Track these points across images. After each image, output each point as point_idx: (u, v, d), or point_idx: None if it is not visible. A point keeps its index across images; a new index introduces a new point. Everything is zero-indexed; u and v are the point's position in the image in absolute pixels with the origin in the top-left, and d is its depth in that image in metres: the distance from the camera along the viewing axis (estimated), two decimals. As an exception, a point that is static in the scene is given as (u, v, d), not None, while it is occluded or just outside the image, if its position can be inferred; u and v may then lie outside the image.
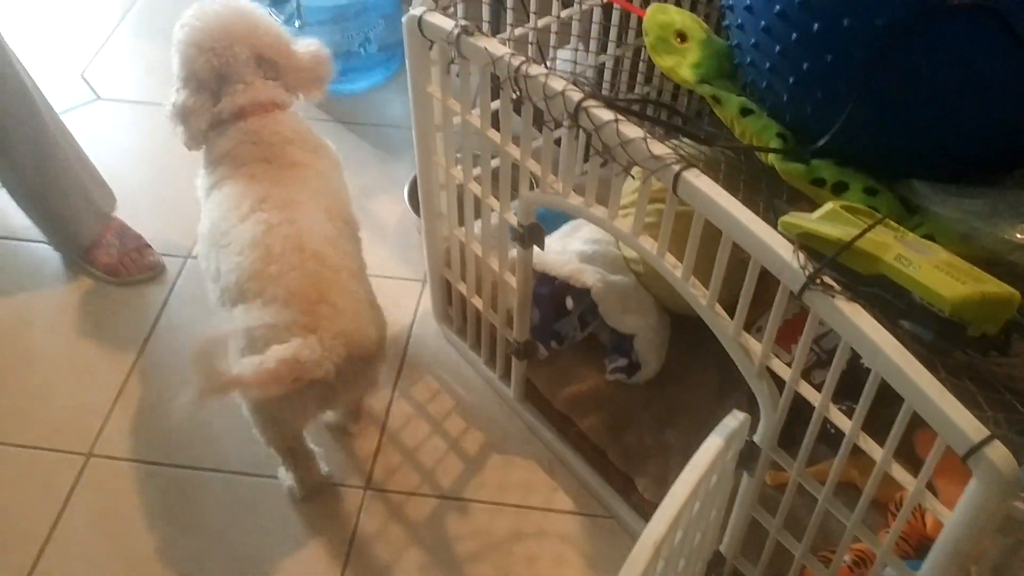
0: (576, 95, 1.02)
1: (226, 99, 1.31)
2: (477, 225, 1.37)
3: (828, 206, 0.92)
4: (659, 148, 0.94)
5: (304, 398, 1.19)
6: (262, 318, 1.13)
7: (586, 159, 1.08)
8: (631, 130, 0.96)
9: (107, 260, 1.71)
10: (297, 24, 1.95)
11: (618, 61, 1.54)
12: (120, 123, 2.00)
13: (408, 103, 1.31)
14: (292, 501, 1.40)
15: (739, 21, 1.12)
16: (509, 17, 1.35)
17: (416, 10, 1.20)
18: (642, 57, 1.55)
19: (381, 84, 2.06)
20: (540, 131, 1.11)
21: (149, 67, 2.13)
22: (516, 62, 1.08)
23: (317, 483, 1.41)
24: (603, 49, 1.52)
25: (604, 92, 1.57)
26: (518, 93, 1.10)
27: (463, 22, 1.16)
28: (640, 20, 1.27)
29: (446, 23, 1.17)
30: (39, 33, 2.25)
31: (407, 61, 1.27)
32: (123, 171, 1.88)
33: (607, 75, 1.56)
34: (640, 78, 1.59)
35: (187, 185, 1.79)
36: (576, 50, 1.55)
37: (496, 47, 1.11)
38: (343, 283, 1.20)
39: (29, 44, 2.20)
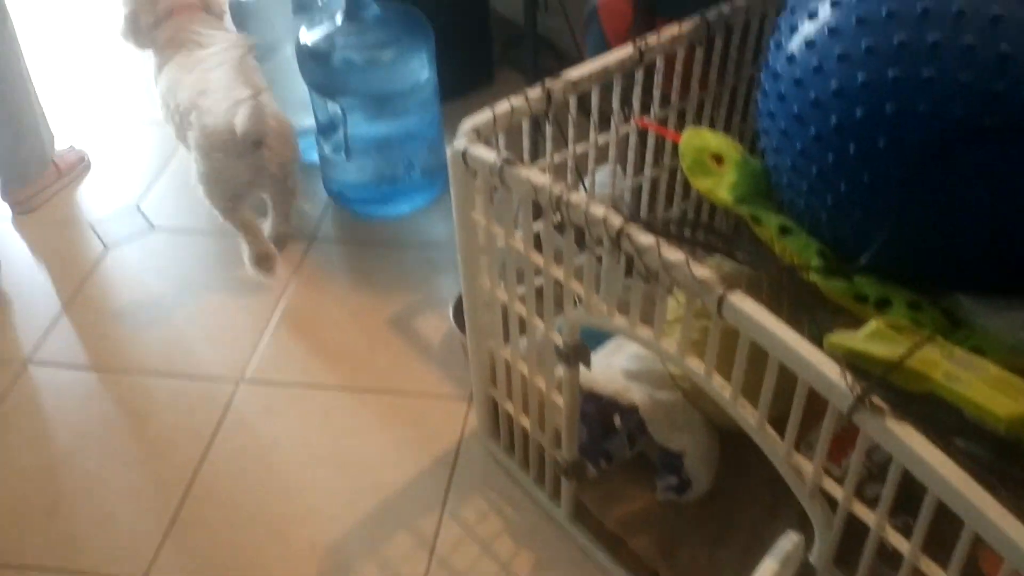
0: (617, 220, 1.05)
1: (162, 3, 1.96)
2: (523, 343, 1.39)
3: (873, 324, 0.93)
4: (702, 271, 0.96)
5: (240, 162, 1.80)
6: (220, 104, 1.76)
7: (628, 274, 1.10)
8: (673, 254, 0.99)
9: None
10: (345, 155, 2.03)
11: (654, 182, 1.58)
12: (173, 251, 2.07)
13: (451, 224, 1.35)
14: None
15: (775, 144, 1.15)
16: (548, 145, 1.40)
17: (460, 143, 1.25)
18: (677, 178, 1.58)
19: (424, 207, 2.12)
20: (582, 249, 1.14)
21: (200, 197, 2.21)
22: (558, 191, 1.11)
23: (264, 252, 1.92)
24: (639, 170, 1.56)
25: (642, 213, 1.60)
26: (560, 219, 1.14)
27: (505, 154, 1.20)
28: (675, 143, 1.31)
29: (489, 155, 1.21)
30: (98, 166, 2.35)
31: (452, 190, 1.31)
32: (176, 299, 1.94)
33: (642, 192, 1.60)
34: (676, 197, 1.62)
35: (237, 314, 1.85)
36: (613, 170, 1.59)
37: (538, 177, 1.15)
38: (264, 95, 1.79)
39: (89, 179, 2.31)
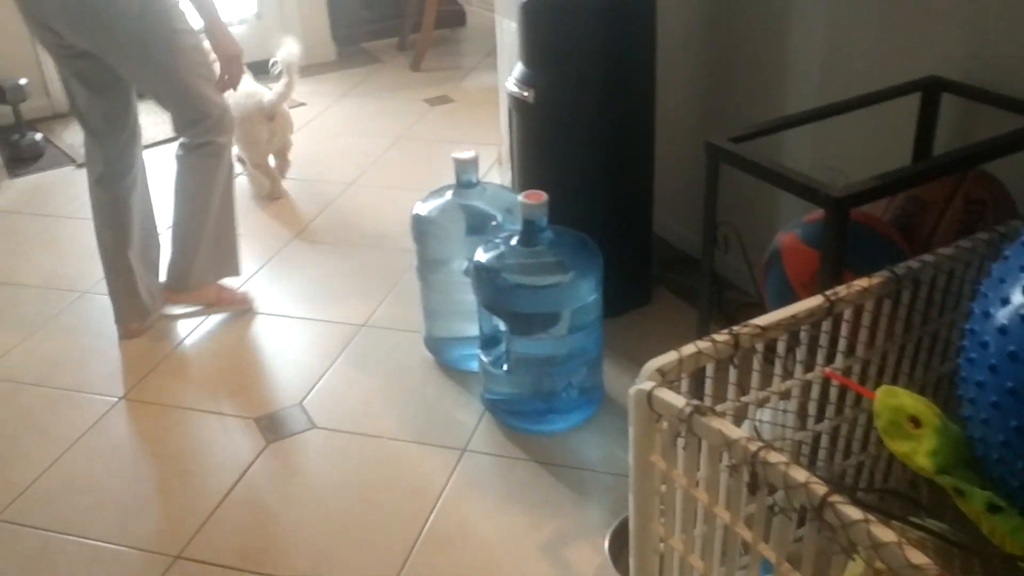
0: (820, 489, 1.00)
1: None
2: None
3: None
4: (918, 557, 0.90)
5: (261, 127, 3.15)
6: None
7: (800, 524, 1.05)
8: (884, 532, 0.93)
9: None
10: (504, 368, 2.06)
11: (834, 430, 1.53)
12: (331, 452, 2.11)
13: (605, 446, 1.33)
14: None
15: (983, 416, 1.10)
16: (730, 392, 1.38)
17: (645, 384, 1.25)
18: (856, 429, 1.53)
19: (579, 425, 2.11)
20: (754, 494, 1.10)
21: (364, 398, 2.26)
22: (753, 447, 1.08)
23: (275, 190, 3.25)
24: (820, 418, 1.51)
25: (820, 462, 1.55)
26: (752, 476, 1.10)
27: (695, 402, 1.19)
28: (857, 394, 1.27)
29: (677, 400, 1.20)
30: (260, 367, 2.45)
31: (632, 430, 1.29)
32: (330, 499, 1.96)
33: (820, 440, 1.54)
34: (855, 446, 1.56)
35: (393, 520, 1.84)
36: (782, 412, 1.55)
37: (731, 429, 1.13)
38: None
39: (252, 377, 2.40)
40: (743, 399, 1.40)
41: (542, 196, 1.97)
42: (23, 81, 3.76)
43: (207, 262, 2.58)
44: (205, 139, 2.41)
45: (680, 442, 1.27)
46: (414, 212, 2.27)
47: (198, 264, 2.58)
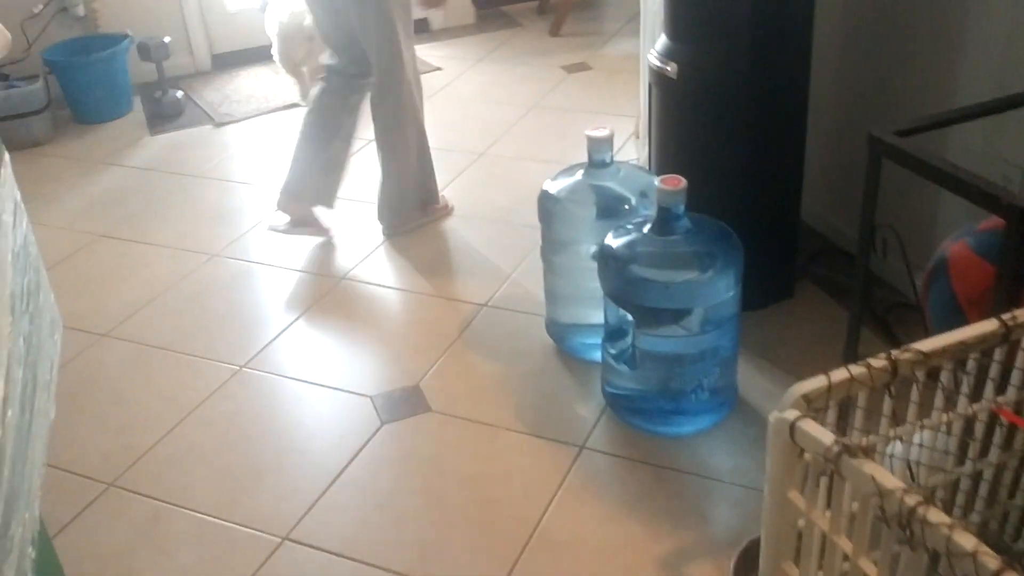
0: (992, 563, 0.85)
1: None
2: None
3: None
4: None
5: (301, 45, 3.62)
6: None
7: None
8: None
9: None
10: (629, 366, 1.93)
11: (998, 468, 1.34)
12: (445, 438, 2.03)
13: (735, 453, 1.19)
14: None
15: None
16: (882, 426, 1.22)
17: (788, 413, 1.10)
18: (1005, 473, 1.34)
19: (707, 428, 1.96)
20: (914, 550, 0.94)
21: (481, 384, 2.18)
22: (911, 501, 0.93)
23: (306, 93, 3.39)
24: (981, 455, 1.33)
25: (980, 501, 1.37)
26: (907, 533, 0.95)
27: (845, 440, 1.04)
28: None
29: (824, 437, 1.05)
30: (380, 343, 2.40)
31: (769, 460, 1.15)
32: (442, 488, 1.89)
33: (981, 479, 1.36)
34: (1002, 491, 1.37)
35: (500, 517, 1.75)
36: (921, 446, 1.37)
37: (886, 478, 0.97)
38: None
39: (371, 353, 2.35)
40: (897, 431, 1.23)
41: (680, 181, 1.82)
42: (167, 39, 3.82)
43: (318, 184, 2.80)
44: (376, 85, 2.67)
45: (823, 480, 1.13)
46: (542, 190, 2.15)
47: (311, 182, 2.80)
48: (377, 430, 2.06)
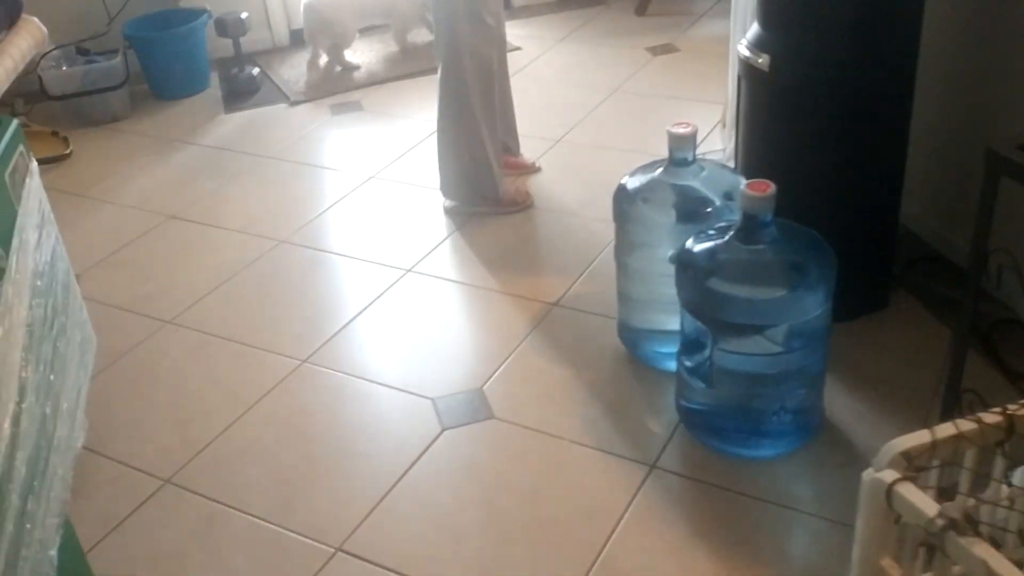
0: None
1: None
2: None
3: None
4: None
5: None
6: None
7: None
8: None
9: None
10: (706, 383, 1.81)
11: None
12: (508, 448, 1.94)
13: (819, 481, 1.07)
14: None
15: None
16: (991, 489, 1.08)
17: (884, 474, 0.98)
18: None
19: (787, 452, 1.83)
20: None
21: (547, 390, 2.08)
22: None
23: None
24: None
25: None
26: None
27: (951, 514, 0.91)
28: None
29: (927, 507, 0.92)
30: (444, 341, 2.32)
31: (860, 520, 1.03)
32: (504, 501, 1.80)
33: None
34: None
35: (566, 538, 1.66)
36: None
37: (1000, 563, 0.84)
38: None
39: (434, 352, 2.26)
40: (1012, 494, 1.09)
41: (768, 187, 1.67)
42: (244, 15, 3.77)
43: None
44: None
45: (922, 550, 1.00)
46: (618, 187, 2.03)
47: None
48: (438, 436, 1.98)
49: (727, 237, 1.74)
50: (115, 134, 3.56)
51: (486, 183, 2.72)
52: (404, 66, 3.83)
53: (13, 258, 0.98)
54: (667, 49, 3.80)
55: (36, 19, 1.39)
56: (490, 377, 2.13)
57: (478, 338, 2.29)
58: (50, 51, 3.52)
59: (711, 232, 1.80)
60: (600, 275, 2.43)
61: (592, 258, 2.51)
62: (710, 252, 1.76)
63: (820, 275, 1.70)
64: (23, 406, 0.88)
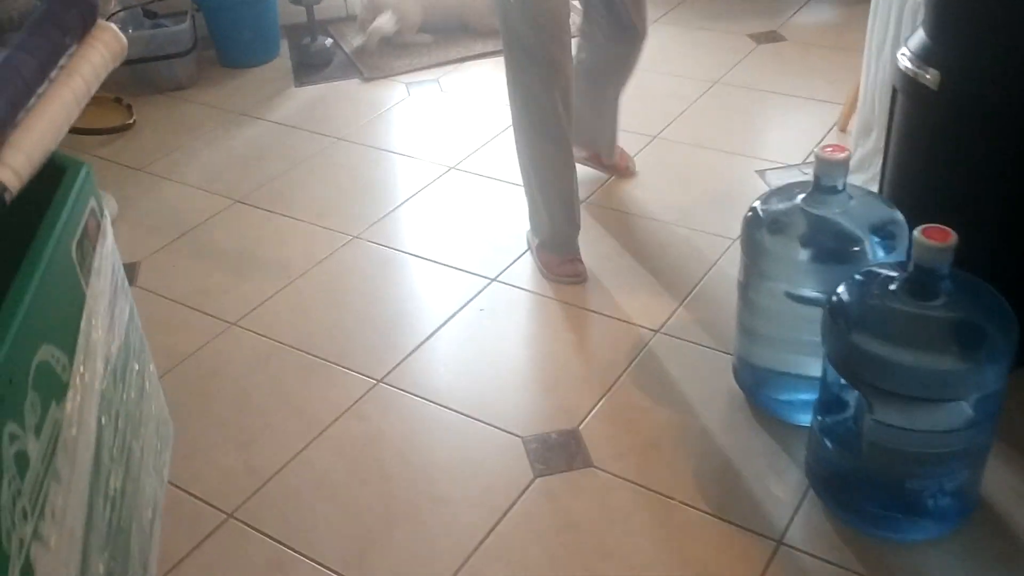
0: None
1: None
2: None
3: None
4: None
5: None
6: None
7: None
8: None
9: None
10: (853, 452, 1.56)
11: None
12: (610, 505, 1.72)
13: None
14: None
15: None
16: None
17: None
18: None
19: (940, 537, 1.58)
20: None
21: (653, 436, 1.85)
22: None
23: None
24: None
25: None
26: None
27: None
28: None
29: None
30: (533, 367, 2.09)
31: None
32: (605, 572, 1.59)
33: None
34: None
35: None
36: None
37: None
38: None
39: (523, 380, 2.04)
40: None
41: (949, 235, 1.41)
42: (319, -19, 3.54)
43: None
44: None
45: None
46: (750, 213, 1.78)
47: None
48: (529, 484, 1.76)
49: (892, 288, 1.49)
50: (180, 103, 3.36)
51: (559, 237, 2.32)
52: (485, 43, 3.57)
53: (78, 366, 0.77)
54: (771, 37, 3.50)
55: (114, 27, 1.14)
56: (587, 415, 1.90)
57: (572, 367, 2.05)
58: (116, 12, 3.32)
59: (869, 278, 1.54)
60: (708, 299, 2.18)
61: (697, 278, 2.26)
62: (870, 304, 1.51)
63: (1002, 343, 1.44)
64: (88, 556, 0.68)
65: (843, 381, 1.57)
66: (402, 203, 2.67)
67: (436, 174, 2.79)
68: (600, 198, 2.61)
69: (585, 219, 2.40)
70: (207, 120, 3.22)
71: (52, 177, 0.90)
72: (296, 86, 3.41)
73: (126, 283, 1.07)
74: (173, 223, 2.64)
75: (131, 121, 3.18)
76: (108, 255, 0.96)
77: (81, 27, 1.04)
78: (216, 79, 3.50)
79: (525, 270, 2.35)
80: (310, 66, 3.52)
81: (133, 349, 1.03)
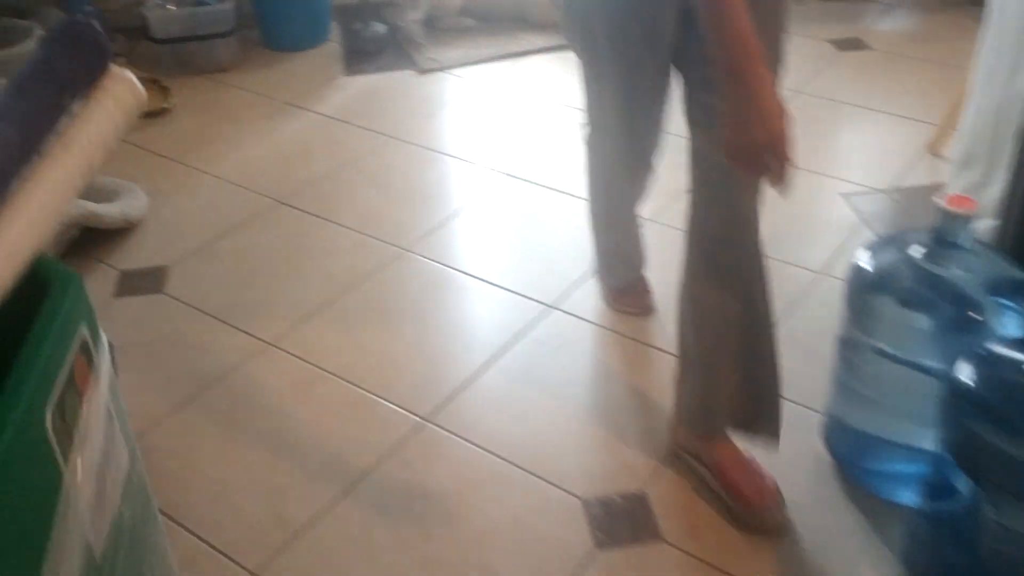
0: None
1: None
2: None
3: None
4: None
5: None
6: None
7: None
8: None
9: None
10: (973, 551, 1.36)
11: None
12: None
13: None
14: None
15: None
16: None
17: None
18: None
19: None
20: None
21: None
22: None
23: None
24: None
25: None
26: None
27: None
28: None
29: None
30: (595, 414, 1.90)
31: None
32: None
33: None
34: None
35: None
36: None
37: None
38: None
39: (583, 428, 1.85)
40: None
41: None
42: (374, -36, 3.35)
43: None
44: None
45: None
46: (855, 267, 1.57)
47: None
48: (591, 560, 1.57)
49: (1016, 356, 1.28)
50: (220, 87, 3.19)
51: (613, 275, 2.13)
52: (546, 38, 3.35)
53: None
54: (854, 44, 3.25)
55: (131, 76, 0.91)
56: (656, 476, 1.71)
57: (638, 416, 1.86)
58: (158, -11, 3.15)
59: (994, 356, 1.34)
60: (794, 344, 1.96)
61: (783, 318, 2.04)
62: (996, 389, 1.30)
63: None
64: None
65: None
66: (455, 213, 2.48)
67: (492, 182, 2.60)
68: (671, 219, 2.40)
69: (652, 240, 2.17)
70: (249, 108, 3.05)
71: (33, 290, 0.68)
72: (346, 75, 3.22)
73: (127, 426, 0.81)
74: (208, 224, 2.47)
75: (167, 105, 3.01)
76: (101, 407, 0.71)
77: (87, 80, 0.83)
78: (260, 62, 3.33)
79: (587, 297, 2.16)
80: (362, 53, 3.33)
81: (134, 537, 0.79)
